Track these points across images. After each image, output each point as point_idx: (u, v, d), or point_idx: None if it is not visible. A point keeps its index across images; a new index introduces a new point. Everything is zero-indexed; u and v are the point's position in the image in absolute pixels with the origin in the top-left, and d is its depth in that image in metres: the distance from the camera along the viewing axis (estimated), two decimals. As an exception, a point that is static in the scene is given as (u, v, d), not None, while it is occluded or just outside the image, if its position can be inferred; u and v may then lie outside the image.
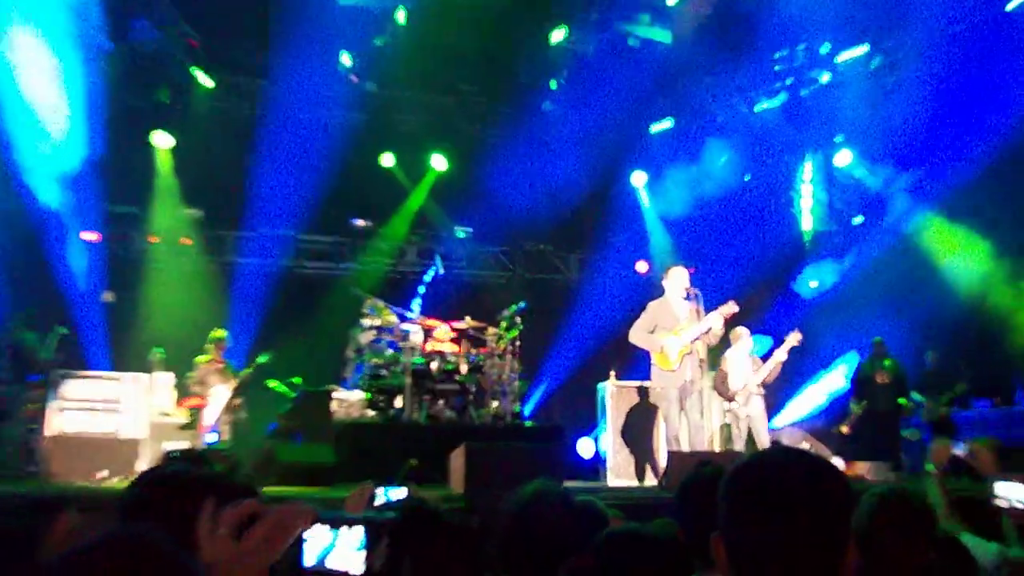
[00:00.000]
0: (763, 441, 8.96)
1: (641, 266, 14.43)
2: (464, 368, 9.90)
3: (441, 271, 13.49)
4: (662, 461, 9.09)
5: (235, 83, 12.80)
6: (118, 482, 7.84)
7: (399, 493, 2.93)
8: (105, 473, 8.12)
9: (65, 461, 8.20)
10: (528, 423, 10.67)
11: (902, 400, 10.21)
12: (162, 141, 12.34)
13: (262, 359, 9.90)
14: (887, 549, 2.61)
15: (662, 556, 2.23)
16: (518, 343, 10.26)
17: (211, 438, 9.38)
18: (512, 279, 14.41)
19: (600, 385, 10.09)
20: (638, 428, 9.65)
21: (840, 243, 13.76)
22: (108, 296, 11.69)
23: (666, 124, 14.01)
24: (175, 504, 1.69)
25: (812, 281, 13.80)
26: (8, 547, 2.11)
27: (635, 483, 9.37)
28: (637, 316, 8.49)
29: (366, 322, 10.08)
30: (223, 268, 12.86)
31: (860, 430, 10.26)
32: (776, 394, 10.43)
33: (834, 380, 12.40)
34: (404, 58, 12.33)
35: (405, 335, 9.97)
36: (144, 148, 12.22)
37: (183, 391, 9.85)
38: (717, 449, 9.39)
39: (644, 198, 14.54)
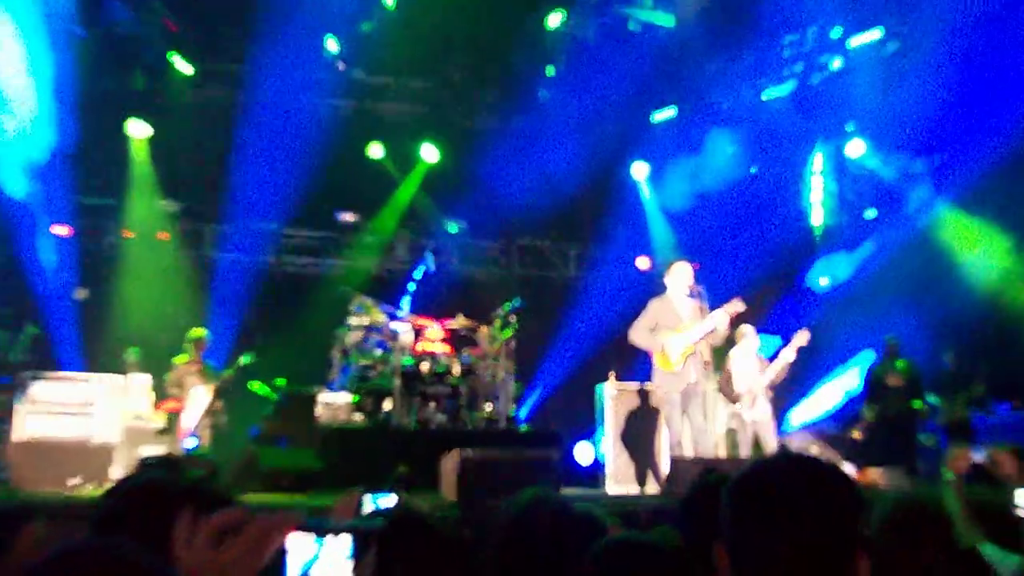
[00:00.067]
0: (770, 446, 8.96)
1: (642, 262, 14.44)
2: (456, 369, 9.90)
3: (432, 267, 13.49)
4: (664, 467, 9.10)
5: (215, 69, 12.77)
6: (91, 490, 7.82)
7: (388, 500, 2.93)
8: (77, 481, 8.09)
9: (34, 468, 8.17)
10: (523, 427, 10.67)
11: (916, 403, 10.22)
12: (138, 130, 12.31)
13: (244, 360, 9.88)
14: (900, 560, 2.61)
15: (663, 565, 2.23)
16: (513, 343, 10.26)
17: (190, 443, 9.36)
18: (507, 276, 14.41)
19: (599, 387, 10.09)
20: (639, 432, 9.65)
21: (852, 237, 13.78)
22: (80, 293, 11.67)
23: (668, 113, 14.01)
24: (151, 514, 1.68)
25: (822, 277, 13.82)
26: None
27: (636, 490, 9.37)
28: (638, 315, 8.49)
29: (353, 321, 10.07)
30: (202, 264, 12.85)
31: (873, 435, 10.28)
32: (784, 396, 10.45)
33: (845, 382, 12.42)
34: (393, 43, 12.32)
35: (394, 335, 9.96)
36: (118, 137, 12.20)
37: (160, 393, 9.83)
38: (722, 454, 9.40)
39: (645, 190, 14.55)
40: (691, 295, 8.37)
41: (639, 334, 8.39)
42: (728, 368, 9.23)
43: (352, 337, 10.05)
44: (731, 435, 9.55)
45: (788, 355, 9.02)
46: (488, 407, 10.00)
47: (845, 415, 11.80)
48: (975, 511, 3.49)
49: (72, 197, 11.62)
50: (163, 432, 9.50)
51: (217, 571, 1.39)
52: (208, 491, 1.90)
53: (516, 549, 2.42)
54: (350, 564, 1.51)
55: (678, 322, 8.28)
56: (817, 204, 14.21)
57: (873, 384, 10.47)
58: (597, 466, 10.19)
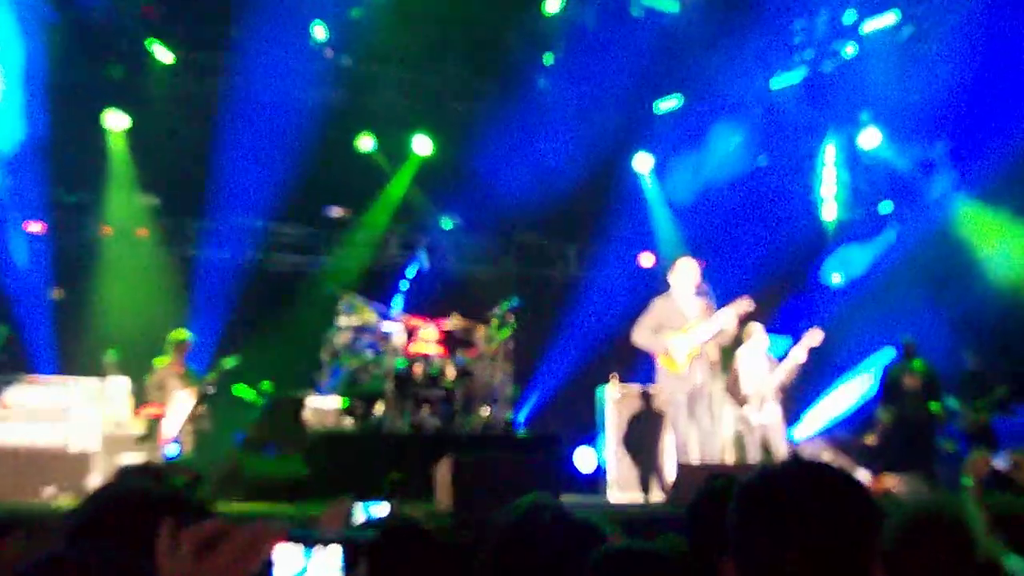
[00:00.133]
0: (779, 451, 8.97)
1: (646, 259, 14.45)
2: (451, 372, 9.90)
3: (426, 265, 13.47)
4: (669, 473, 9.11)
5: (197, 57, 12.72)
6: (67, 500, 7.81)
7: (379, 509, 2.93)
8: (52, 490, 8.08)
9: (6, 477, 8.15)
10: (521, 432, 10.67)
11: (934, 406, 10.23)
12: (115, 121, 12.28)
13: (228, 363, 9.88)
14: (917, 573, 2.60)
15: (665, 575, 2.23)
16: (511, 344, 10.26)
17: (172, 450, 9.35)
18: (504, 274, 14.40)
19: (600, 390, 10.10)
20: (642, 437, 9.66)
21: (866, 232, 13.79)
22: (56, 293, 11.64)
23: (673, 102, 14.01)
24: (131, 524, 1.68)
25: (835, 274, 13.83)
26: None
27: (639, 498, 9.38)
28: (641, 314, 8.49)
29: (343, 321, 10.06)
30: (184, 262, 12.82)
31: (888, 439, 10.29)
32: (794, 399, 10.45)
33: (860, 384, 12.43)
34: (384, 30, 12.30)
35: (386, 336, 9.97)
36: (95, 129, 12.16)
37: (140, 398, 9.81)
38: (729, 460, 9.41)
39: (649, 184, 14.55)
40: (697, 293, 8.38)
41: (642, 334, 8.40)
42: (735, 369, 9.23)
43: (342, 338, 10.04)
44: (739, 440, 9.56)
45: (799, 355, 9.02)
46: (484, 411, 9.99)
47: (859, 419, 11.82)
48: (997, 520, 3.50)
49: (46, 192, 11.59)
50: (143, 439, 9.49)
51: (201, 584, 1.39)
52: (191, 501, 1.89)
53: (513, 559, 2.42)
54: (340, 576, 1.51)
55: (683, 322, 8.29)
56: (829, 197, 14.23)
57: (888, 386, 10.48)
58: (598, 472, 10.20)
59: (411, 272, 13.41)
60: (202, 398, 9.73)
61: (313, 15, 12.49)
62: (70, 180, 12.03)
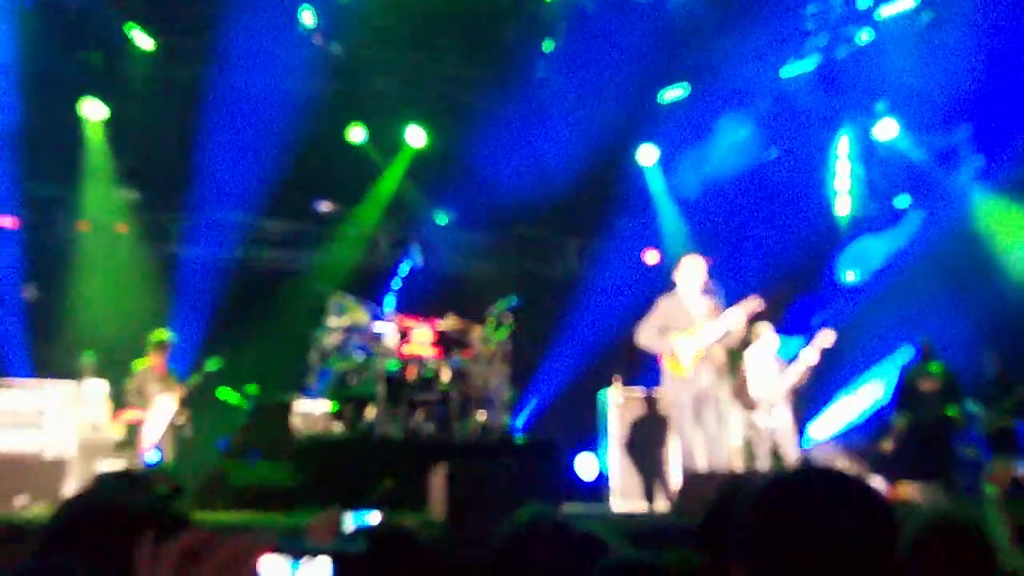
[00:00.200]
0: (790, 458, 8.98)
1: (650, 256, 14.45)
2: (446, 374, 9.91)
3: (419, 262, 13.47)
4: (675, 481, 9.11)
5: (178, 44, 12.71)
6: (40, 510, 7.80)
7: (371, 519, 2.93)
8: (25, 499, 8.06)
9: (-22, 485, 8.16)
10: (520, 438, 10.67)
11: (951, 410, 10.23)
12: (92, 111, 12.27)
13: (211, 365, 9.88)
14: (937, 585, 2.60)
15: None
16: (508, 345, 10.27)
17: (152, 457, 9.35)
18: (501, 271, 14.41)
19: (602, 393, 10.10)
20: (647, 443, 9.67)
21: (881, 228, 13.79)
22: (29, 292, 11.63)
23: (679, 92, 13.99)
24: (107, 537, 1.68)
25: (849, 272, 13.83)
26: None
27: (644, 507, 9.39)
28: (645, 314, 8.50)
29: (332, 322, 10.07)
30: (165, 258, 12.82)
31: (905, 446, 10.29)
32: (806, 403, 10.46)
33: (874, 387, 12.44)
34: (375, 15, 12.29)
35: (377, 337, 9.97)
36: (71, 119, 12.15)
37: (118, 402, 9.82)
38: (738, 467, 9.41)
39: (653, 177, 14.55)
40: (703, 292, 8.38)
41: (646, 335, 8.40)
42: (744, 372, 9.23)
43: (331, 339, 10.04)
44: (747, 446, 9.57)
45: (810, 357, 9.02)
46: (481, 415, 10.01)
47: (874, 424, 11.82)
48: (1020, 530, 3.49)
49: (19, 186, 11.58)
50: (122, 445, 9.49)
51: (182, 599, 1.39)
52: (172, 511, 1.89)
53: (511, 572, 2.41)
54: (329, 590, 1.50)
55: (689, 322, 8.29)
56: (843, 191, 14.22)
57: (905, 389, 10.48)
58: (600, 480, 10.21)
59: (404, 270, 13.40)
60: (184, 402, 9.73)
61: (301, -1, 12.49)
62: (44, 173, 12.01)
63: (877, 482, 9.15)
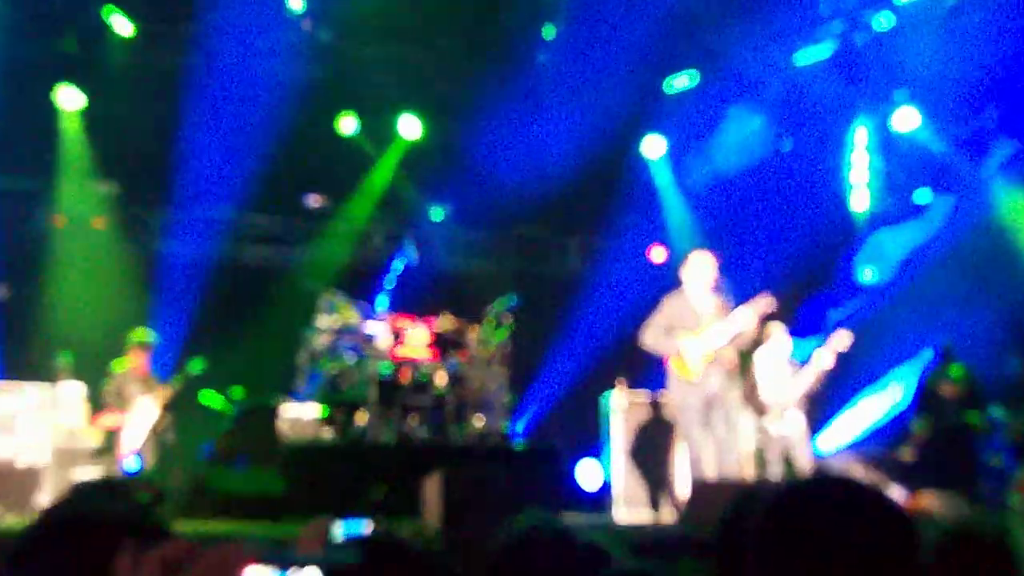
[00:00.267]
0: (803, 466, 8.98)
1: (656, 253, 14.45)
2: (441, 377, 9.91)
3: (414, 260, 13.46)
4: (682, 490, 9.11)
5: (160, 30, 12.71)
6: (12, 521, 7.80)
7: (363, 528, 2.93)
8: (-3, 509, 8.09)
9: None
10: (519, 444, 10.68)
11: (973, 416, 10.23)
12: (69, 100, 12.26)
13: (195, 367, 9.87)
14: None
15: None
16: (507, 347, 10.27)
17: (132, 464, 9.35)
18: (500, 269, 14.41)
19: (605, 397, 10.10)
20: (652, 449, 9.68)
21: (901, 223, 13.78)
22: (2, 290, 11.63)
23: (686, 80, 13.99)
24: (84, 549, 1.67)
25: (866, 270, 13.83)
26: None
27: (649, 516, 9.39)
28: (650, 314, 8.50)
29: (322, 322, 10.07)
30: (146, 255, 12.81)
31: (925, 454, 10.29)
32: (820, 409, 10.46)
33: (893, 392, 12.44)
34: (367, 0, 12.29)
35: (369, 338, 9.98)
36: (45, 109, 12.14)
37: (96, 405, 9.81)
38: (749, 474, 9.42)
39: (660, 170, 14.55)
40: (712, 291, 8.39)
41: (652, 336, 8.40)
42: (754, 375, 9.22)
43: (321, 340, 10.04)
44: (758, 453, 9.57)
45: (825, 360, 9.02)
46: (478, 420, 10.01)
47: (892, 430, 11.82)
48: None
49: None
50: (100, 451, 9.49)
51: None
52: (153, 520, 1.89)
53: (510, 585, 2.42)
54: (318, 602, 1.50)
55: (697, 322, 8.29)
56: (860, 185, 14.21)
57: (924, 394, 10.48)
58: (604, 488, 10.22)
59: (397, 267, 13.39)
60: (166, 406, 9.73)
61: (289, -17, 12.48)
62: (17, 165, 12.00)
63: (896, 492, 9.17)
